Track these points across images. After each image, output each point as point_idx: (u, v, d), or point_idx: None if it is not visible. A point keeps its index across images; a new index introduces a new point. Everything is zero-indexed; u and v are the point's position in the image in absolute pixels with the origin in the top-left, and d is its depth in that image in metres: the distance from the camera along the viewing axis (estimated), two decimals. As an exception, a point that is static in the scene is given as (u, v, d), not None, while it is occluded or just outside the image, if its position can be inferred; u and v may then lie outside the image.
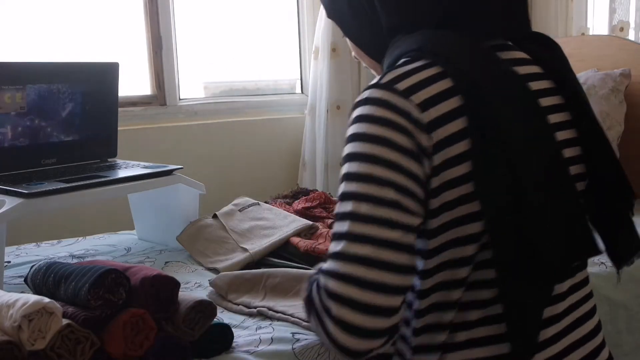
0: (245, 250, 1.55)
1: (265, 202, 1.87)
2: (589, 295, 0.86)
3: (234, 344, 1.06)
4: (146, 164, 1.68)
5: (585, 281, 0.85)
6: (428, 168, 0.69)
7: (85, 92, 1.67)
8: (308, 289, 0.71)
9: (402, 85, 0.70)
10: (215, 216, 1.72)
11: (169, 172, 1.60)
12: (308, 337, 1.08)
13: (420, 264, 0.74)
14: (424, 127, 0.68)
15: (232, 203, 1.79)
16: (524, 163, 0.69)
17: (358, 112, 0.71)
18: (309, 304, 0.70)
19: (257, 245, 1.57)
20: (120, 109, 1.80)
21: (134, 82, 2.52)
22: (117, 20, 2.52)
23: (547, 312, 0.76)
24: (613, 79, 2.26)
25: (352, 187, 0.68)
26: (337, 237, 0.68)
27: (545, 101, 0.78)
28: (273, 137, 2.87)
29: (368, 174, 0.67)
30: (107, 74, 1.73)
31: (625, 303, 1.57)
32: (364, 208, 0.66)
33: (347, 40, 0.91)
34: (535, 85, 0.78)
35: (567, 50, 0.88)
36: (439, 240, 0.73)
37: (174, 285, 1.02)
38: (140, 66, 2.58)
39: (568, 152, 0.80)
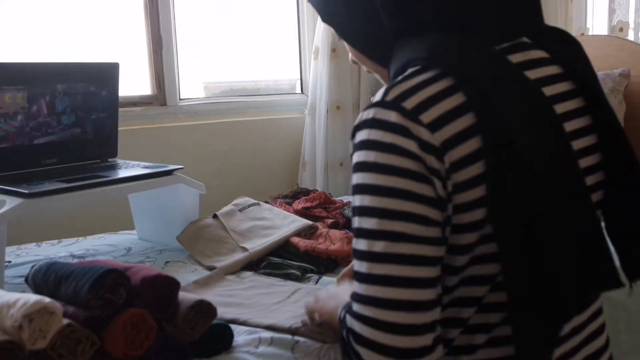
0: (245, 249, 1.55)
1: (265, 202, 1.88)
2: (598, 312, 0.81)
3: (233, 344, 1.06)
4: (146, 164, 1.68)
5: (597, 313, 0.81)
6: (442, 192, 0.64)
7: (86, 92, 1.68)
8: (339, 330, 0.69)
9: (410, 103, 0.64)
10: (215, 216, 1.73)
11: (169, 172, 1.60)
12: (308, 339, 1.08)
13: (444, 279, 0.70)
14: (436, 149, 0.63)
15: (232, 203, 1.79)
16: (540, 191, 0.64)
17: (363, 135, 0.65)
18: (343, 348, 0.68)
19: (257, 245, 1.57)
20: (120, 109, 1.81)
21: (134, 82, 2.52)
22: (117, 20, 2.52)
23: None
24: (612, 79, 2.26)
25: (365, 223, 0.64)
26: (358, 278, 0.65)
27: (563, 106, 0.73)
28: (273, 137, 2.87)
29: (380, 208, 0.63)
30: (107, 74, 1.73)
31: (625, 303, 1.57)
32: (380, 246, 0.63)
33: (345, 44, 0.83)
34: (552, 89, 0.73)
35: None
36: (460, 261, 0.68)
37: (174, 285, 1.02)
38: (140, 66, 2.58)
39: (588, 161, 0.75)
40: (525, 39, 0.75)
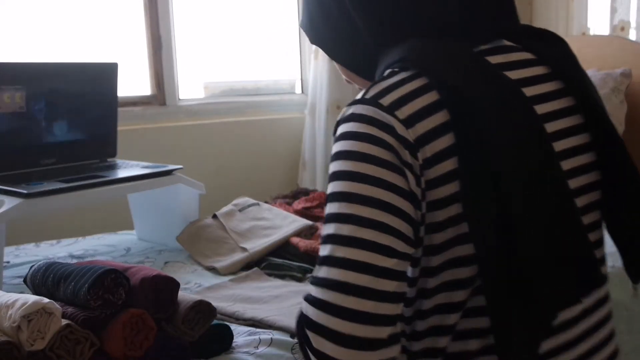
0: (245, 250, 1.55)
1: (265, 202, 1.87)
2: (607, 318, 0.78)
3: (233, 345, 1.06)
4: (146, 164, 1.68)
5: (603, 301, 0.77)
6: (415, 187, 0.64)
7: (85, 92, 1.67)
8: (297, 316, 0.66)
9: (386, 100, 0.66)
10: (215, 216, 1.72)
11: (169, 172, 1.60)
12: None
13: (422, 282, 0.69)
14: (410, 145, 0.64)
15: (232, 203, 1.79)
16: (513, 189, 0.63)
17: (342, 129, 0.67)
18: (297, 334, 0.65)
19: (256, 245, 1.57)
20: (120, 109, 1.80)
21: (133, 82, 2.52)
22: (117, 20, 2.52)
23: (556, 341, 0.72)
24: (614, 79, 2.25)
25: (334, 207, 0.64)
26: (319, 261, 0.64)
27: (549, 106, 0.73)
28: (273, 137, 2.87)
29: (351, 193, 0.63)
30: (106, 74, 1.73)
31: (626, 303, 1.57)
32: (347, 230, 0.62)
33: (336, 64, 0.86)
34: (536, 89, 0.73)
35: (567, 49, 0.86)
36: (436, 261, 0.68)
37: (174, 285, 1.01)
38: (140, 66, 2.58)
39: (580, 160, 0.73)
40: (506, 42, 0.76)
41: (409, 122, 0.65)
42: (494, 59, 0.73)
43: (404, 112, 0.65)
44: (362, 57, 0.79)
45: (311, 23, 0.84)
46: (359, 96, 0.69)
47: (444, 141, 0.65)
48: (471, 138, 0.64)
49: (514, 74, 0.72)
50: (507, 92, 0.68)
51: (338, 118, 0.70)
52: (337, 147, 0.67)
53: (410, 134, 0.64)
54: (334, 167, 0.66)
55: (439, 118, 0.65)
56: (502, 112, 0.65)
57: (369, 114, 0.66)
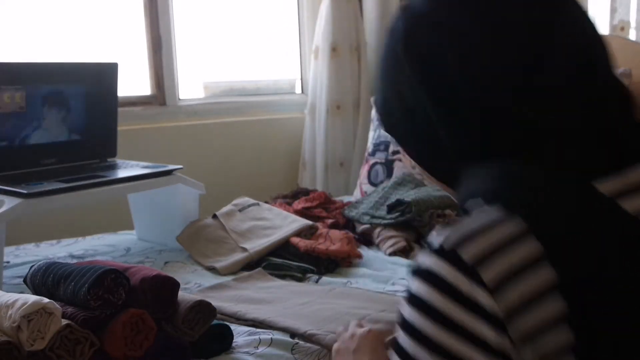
0: (245, 250, 1.55)
1: (265, 202, 1.87)
2: None
3: (233, 345, 1.06)
4: (146, 164, 1.68)
5: None
6: None
7: (85, 92, 1.67)
8: None
9: (469, 252, 0.53)
10: (215, 216, 1.72)
11: (168, 172, 1.60)
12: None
13: None
14: (495, 320, 0.51)
15: (232, 203, 1.79)
16: None
17: (416, 288, 0.56)
18: None
19: (256, 245, 1.57)
20: (120, 109, 1.80)
21: (133, 82, 2.51)
22: (117, 20, 2.51)
23: None
24: (613, 79, 2.25)
25: None
26: None
27: None
28: (273, 137, 2.87)
29: None
30: (106, 74, 1.73)
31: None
32: None
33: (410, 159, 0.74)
34: None
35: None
36: None
37: (174, 285, 1.01)
38: (140, 66, 2.58)
39: None
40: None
41: (496, 286, 0.51)
42: (605, 187, 0.56)
43: (491, 271, 0.52)
44: (439, 161, 0.67)
45: (384, 108, 0.72)
46: (441, 237, 0.56)
47: (546, 311, 0.51)
48: (594, 324, 0.50)
49: (632, 204, 0.55)
50: (632, 243, 0.52)
51: (415, 264, 0.58)
52: (409, 313, 0.56)
53: (499, 307, 0.51)
54: (404, 339, 0.56)
55: (540, 279, 0.51)
56: (631, 277, 0.51)
57: (447, 279, 0.53)
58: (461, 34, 0.61)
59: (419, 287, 0.56)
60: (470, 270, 0.52)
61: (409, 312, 0.56)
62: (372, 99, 2.51)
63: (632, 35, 2.69)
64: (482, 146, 0.61)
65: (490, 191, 0.57)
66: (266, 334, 1.09)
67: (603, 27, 2.83)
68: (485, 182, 0.59)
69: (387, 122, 0.73)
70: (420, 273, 0.56)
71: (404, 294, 0.58)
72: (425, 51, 0.64)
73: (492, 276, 0.52)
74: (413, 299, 0.56)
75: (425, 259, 0.56)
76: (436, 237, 0.57)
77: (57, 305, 0.88)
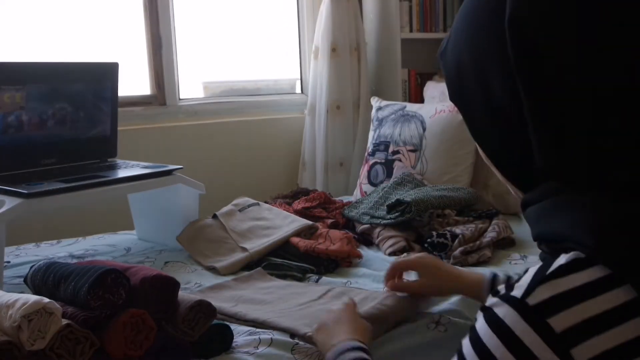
0: (245, 250, 1.55)
1: (265, 202, 1.87)
2: None
3: (233, 345, 1.06)
4: (146, 164, 1.68)
5: None
6: None
7: (85, 92, 1.67)
8: None
9: (560, 323, 0.45)
10: (215, 216, 1.72)
11: (168, 172, 1.60)
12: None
13: None
14: None
15: (232, 203, 1.79)
16: None
17: (487, 337, 0.49)
18: None
19: (256, 245, 1.57)
20: (120, 109, 1.80)
21: (133, 82, 2.51)
22: (116, 20, 2.52)
23: None
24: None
25: None
26: None
27: None
28: (273, 137, 2.87)
29: None
30: (106, 74, 1.73)
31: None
32: None
33: (481, 151, 0.65)
34: None
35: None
36: None
37: (174, 285, 1.01)
38: (140, 66, 2.58)
39: None
40: None
41: (568, 339, 0.45)
42: None
43: (587, 351, 0.45)
44: (519, 164, 0.58)
45: (462, 99, 0.63)
46: (524, 285, 0.49)
47: None
48: None
49: None
50: None
51: (489, 302, 0.51)
52: (469, 354, 0.51)
53: None
54: None
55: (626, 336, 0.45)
56: None
57: (526, 343, 0.46)
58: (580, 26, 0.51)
59: (490, 337, 0.49)
60: (559, 346, 0.44)
61: (467, 349, 0.51)
62: (372, 99, 2.51)
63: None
64: (574, 171, 0.50)
65: (586, 245, 0.48)
66: (266, 334, 1.09)
67: None
68: (575, 225, 0.49)
69: (463, 112, 0.64)
70: (494, 321, 0.49)
71: (471, 327, 0.52)
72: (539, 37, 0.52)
73: (563, 328, 0.44)
74: (479, 346, 0.50)
75: (503, 307, 0.49)
76: (523, 280, 0.49)
77: (58, 305, 0.88)
